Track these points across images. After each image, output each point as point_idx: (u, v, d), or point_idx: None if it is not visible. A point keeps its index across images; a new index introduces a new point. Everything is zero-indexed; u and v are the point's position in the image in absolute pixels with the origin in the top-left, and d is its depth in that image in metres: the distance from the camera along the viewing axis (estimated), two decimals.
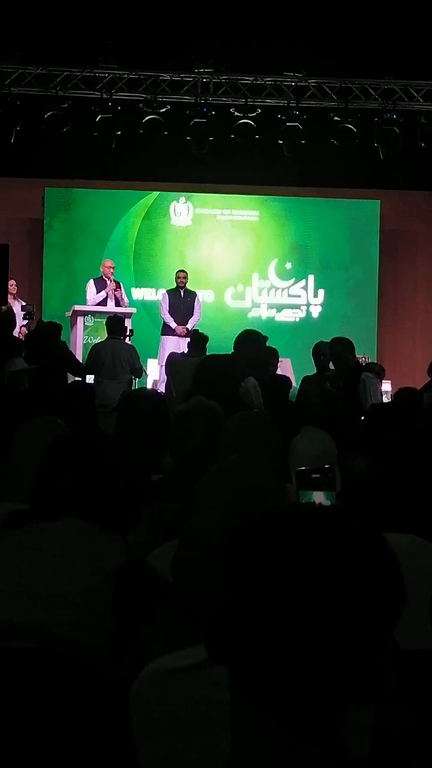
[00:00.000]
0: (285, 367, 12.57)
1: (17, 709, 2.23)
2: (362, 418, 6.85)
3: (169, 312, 14.02)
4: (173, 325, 13.93)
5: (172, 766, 1.75)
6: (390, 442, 4.29)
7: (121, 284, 14.14)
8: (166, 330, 14.02)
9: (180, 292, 14.19)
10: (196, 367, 7.65)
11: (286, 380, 9.37)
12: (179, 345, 13.18)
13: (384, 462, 3.39)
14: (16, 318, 13.13)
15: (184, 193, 15.95)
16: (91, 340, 13.01)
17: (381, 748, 1.42)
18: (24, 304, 13.90)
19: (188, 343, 12.38)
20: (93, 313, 13.45)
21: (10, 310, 13.19)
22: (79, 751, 2.23)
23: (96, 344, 12.28)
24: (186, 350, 12.25)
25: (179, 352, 12.34)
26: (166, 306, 14.07)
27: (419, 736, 1.69)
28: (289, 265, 16.13)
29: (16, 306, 13.74)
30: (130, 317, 13.21)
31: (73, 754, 2.23)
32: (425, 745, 1.68)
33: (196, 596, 1.98)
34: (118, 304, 13.67)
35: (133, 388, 11.22)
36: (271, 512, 1.38)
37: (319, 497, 2.39)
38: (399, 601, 1.33)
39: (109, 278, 13.82)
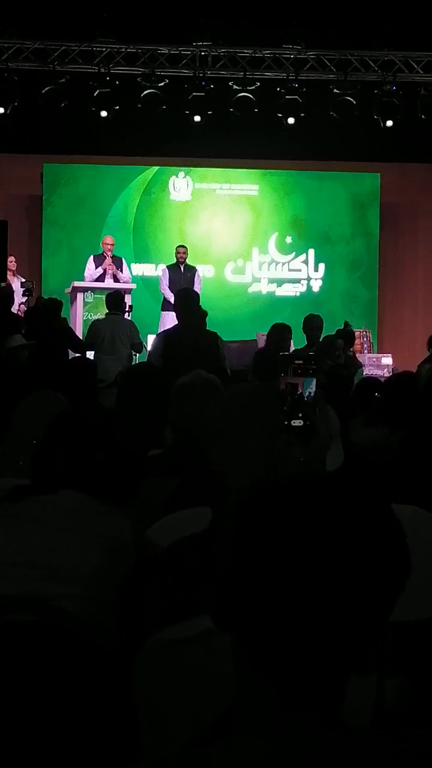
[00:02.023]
0: None
1: (17, 683, 2.23)
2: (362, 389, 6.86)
3: (169, 287, 14.00)
4: (173, 300, 13.90)
5: (175, 738, 1.75)
6: (416, 415, 4.31)
7: (123, 260, 14.11)
8: (166, 305, 13.99)
9: (180, 268, 14.17)
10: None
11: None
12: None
13: (409, 434, 3.41)
14: (16, 294, 13.10)
15: (183, 168, 15.90)
16: (90, 316, 13.00)
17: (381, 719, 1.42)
18: (23, 280, 13.88)
19: None
20: (93, 290, 13.43)
21: (9, 286, 13.17)
22: (81, 724, 2.23)
23: (95, 320, 12.27)
24: None
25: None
26: (166, 281, 14.05)
27: (417, 706, 1.69)
28: (289, 240, 16.10)
29: (16, 283, 13.72)
30: (129, 293, 13.18)
31: (75, 728, 2.23)
32: (422, 715, 1.69)
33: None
34: (116, 280, 13.65)
35: (133, 363, 11.22)
36: (279, 480, 1.38)
37: (308, 383, 2.41)
38: (404, 571, 1.33)
39: (107, 255, 13.80)
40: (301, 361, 2.44)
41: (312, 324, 11.33)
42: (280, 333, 10.08)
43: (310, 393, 2.40)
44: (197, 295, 9.34)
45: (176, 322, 13.13)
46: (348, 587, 1.28)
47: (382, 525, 1.32)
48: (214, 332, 8.83)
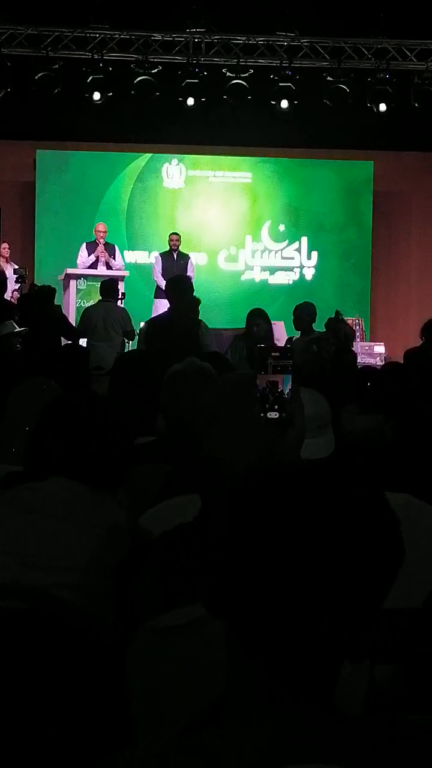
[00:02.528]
0: (278, 330, 12.55)
1: (10, 670, 2.23)
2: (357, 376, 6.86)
3: (162, 275, 13.98)
4: (165, 286, 13.89)
5: (168, 725, 1.75)
6: (409, 403, 4.31)
7: (116, 247, 14.09)
8: (159, 293, 13.97)
9: (173, 255, 14.15)
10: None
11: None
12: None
13: (403, 423, 3.42)
14: (9, 281, 13.08)
15: (176, 155, 15.87)
16: (83, 303, 12.98)
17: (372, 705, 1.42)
18: (16, 267, 13.84)
19: None
20: (86, 277, 13.42)
21: (3, 273, 13.13)
22: (75, 711, 2.24)
23: (88, 307, 12.27)
24: None
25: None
26: (159, 269, 14.04)
27: (407, 691, 1.70)
28: (282, 227, 16.08)
29: (9, 269, 13.69)
30: (122, 280, 13.17)
31: (69, 714, 2.24)
32: (414, 700, 1.70)
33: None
34: (109, 267, 13.63)
35: (125, 350, 11.22)
36: (274, 468, 1.38)
37: (287, 380, 2.44)
38: (397, 559, 1.33)
39: (100, 242, 13.78)
40: (277, 354, 2.47)
41: (304, 312, 11.31)
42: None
43: (290, 391, 2.43)
44: (190, 281, 9.32)
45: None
46: (342, 574, 1.28)
47: (375, 513, 1.33)
48: (199, 320, 8.85)
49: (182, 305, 8.54)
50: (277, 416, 2.40)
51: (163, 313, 9.04)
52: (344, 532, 1.29)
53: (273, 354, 2.46)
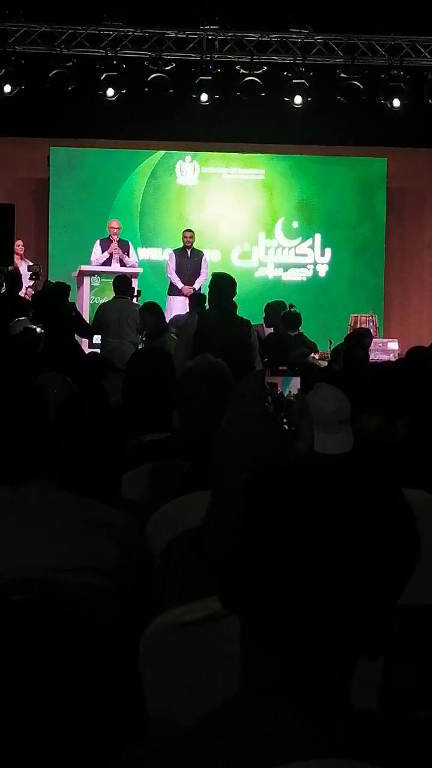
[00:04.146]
0: None
1: (23, 662, 2.24)
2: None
3: (175, 272, 13.99)
4: (180, 285, 13.90)
5: (180, 720, 1.76)
6: (405, 401, 4.30)
7: (130, 244, 14.09)
8: (173, 290, 13.99)
9: (187, 252, 14.15)
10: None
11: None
12: (186, 305, 13.15)
13: (418, 419, 3.42)
14: (23, 278, 13.10)
15: (189, 152, 15.87)
16: (97, 300, 12.99)
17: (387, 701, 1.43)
18: (31, 264, 13.87)
19: (188, 304, 12.45)
20: (99, 273, 13.42)
21: (17, 270, 13.17)
22: (88, 706, 2.24)
23: (102, 304, 12.25)
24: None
25: (185, 312, 12.33)
26: (173, 266, 14.04)
27: (421, 687, 1.70)
28: (295, 224, 16.07)
29: (23, 266, 13.72)
30: (136, 277, 13.17)
31: (82, 709, 2.24)
32: (426, 696, 1.70)
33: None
34: (123, 264, 13.64)
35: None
36: (290, 462, 1.38)
37: (287, 382, 2.43)
38: (413, 555, 1.33)
39: (114, 239, 13.78)
40: (285, 367, 2.47)
41: (276, 309, 11.51)
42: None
43: (290, 392, 2.41)
44: (233, 282, 8.73)
45: (182, 307, 13.18)
46: (358, 569, 1.28)
47: (393, 508, 1.32)
48: (247, 320, 8.70)
49: (230, 304, 8.40)
50: (285, 429, 2.39)
51: (209, 310, 8.72)
52: (362, 527, 1.29)
53: (281, 368, 2.47)
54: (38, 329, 9.21)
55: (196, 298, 12.18)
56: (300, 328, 11.59)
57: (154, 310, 9.99)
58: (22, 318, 9.66)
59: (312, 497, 1.30)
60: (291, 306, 12.04)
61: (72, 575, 2.53)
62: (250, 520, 1.33)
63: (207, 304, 8.75)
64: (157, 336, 9.24)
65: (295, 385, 2.44)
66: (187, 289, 13.72)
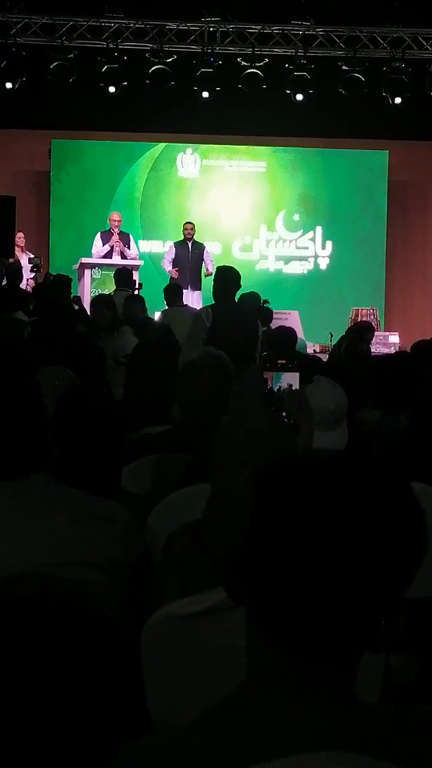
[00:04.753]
0: (293, 320, 12.55)
1: (25, 656, 2.24)
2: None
3: (174, 264, 13.95)
4: (172, 273, 13.84)
5: (183, 713, 1.76)
6: (408, 395, 4.30)
7: (131, 236, 14.07)
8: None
9: (187, 244, 14.14)
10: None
11: (292, 332, 9.36)
12: (187, 298, 13.13)
13: (420, 413, 3.41)
14: (24, 270, 13.09)
15: (191, 145, 15.86)
16: (98, 292, 12.97)
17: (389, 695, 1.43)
18: (32, 256, 13.85)
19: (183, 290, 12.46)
20: (100, 266, 13.41)
21: (18, 262, 13.15)
22: (90, 699, 2.24)
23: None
24: (192, 303, 12.24)
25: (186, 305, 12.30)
26: (170, 257, 14.03)
27: (424, 681, 1.70)
28: (297, 217, 16.06)
29: (24, 258, 13.70)
30: (137, 269, 13.16)
31: (85, 702, 2.25)
32: (428, 690, 1.70)
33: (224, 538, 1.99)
34: (124, 257, 13.62)
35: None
36: (298, 456, 1.38)
37: (287, 378, 2.42)
38: (422, 549, 1.33)
39: (115, 231, 13.77)
40: (283, 361, 2.47)
41: (252, 301, 11.40)
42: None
43: (280, 387, 2.41)
44: (237, 276, 8.69)
45: (187, 300, 13.15)
46: (367, 563, 1.28)
47: (402, 502, 1.32)
48: (252, 314, 8.69)
49: (233, 299, 8.40)
50: (285, 422, 2.39)
51: (221, 304, 8.62)
52: (371, 520, 1.29)
53: (279, 361, 2.45)
54: (21, 316, 9.21)
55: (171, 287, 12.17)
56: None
57: (110, 303, 9.96)
58: (19, 311, 9.64)
59: (321, 490, 1.30)
60: (265, 301, 11.96)
61: (72, 569, 2.53)
62: (259, 513, 1.32)
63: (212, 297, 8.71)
64: (113, 329, 9.21)
65: (288, 379, 2.43)
66: (173, 272, 13.73)
